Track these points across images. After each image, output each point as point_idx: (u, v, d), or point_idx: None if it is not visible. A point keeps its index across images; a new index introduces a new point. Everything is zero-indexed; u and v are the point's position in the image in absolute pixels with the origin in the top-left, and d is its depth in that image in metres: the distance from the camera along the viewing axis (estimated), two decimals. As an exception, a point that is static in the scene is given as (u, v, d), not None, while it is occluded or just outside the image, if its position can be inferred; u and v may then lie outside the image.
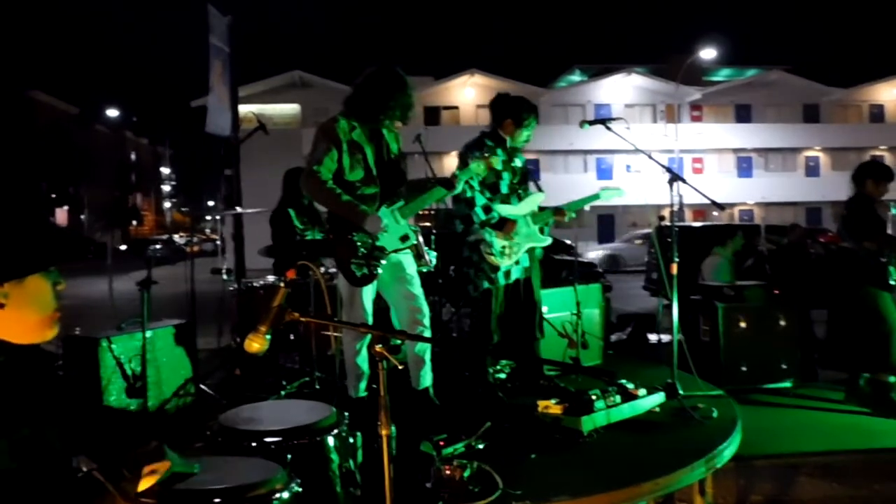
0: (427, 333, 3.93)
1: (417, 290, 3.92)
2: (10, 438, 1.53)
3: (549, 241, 4.70)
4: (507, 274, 4.51)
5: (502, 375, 4.78)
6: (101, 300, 11.86)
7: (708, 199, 4.43)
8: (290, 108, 32.99)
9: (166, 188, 71.26)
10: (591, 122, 4.55)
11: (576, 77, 39.77)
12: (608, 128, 4.53)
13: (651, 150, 4.68)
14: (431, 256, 4.09)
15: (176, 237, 41.97)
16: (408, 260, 3.94)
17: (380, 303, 4.00)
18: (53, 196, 45.41)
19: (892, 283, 4.88)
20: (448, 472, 2.86)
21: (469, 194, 4.37)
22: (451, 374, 4.62)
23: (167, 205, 71.42)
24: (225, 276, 5.75)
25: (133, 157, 65.57)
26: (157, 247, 33.51)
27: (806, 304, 5.94)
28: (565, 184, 27.02)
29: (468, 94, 34.03)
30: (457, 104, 34.54)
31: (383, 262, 3.78)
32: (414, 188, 4.00)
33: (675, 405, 4.14)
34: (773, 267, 7.45)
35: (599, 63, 38.81)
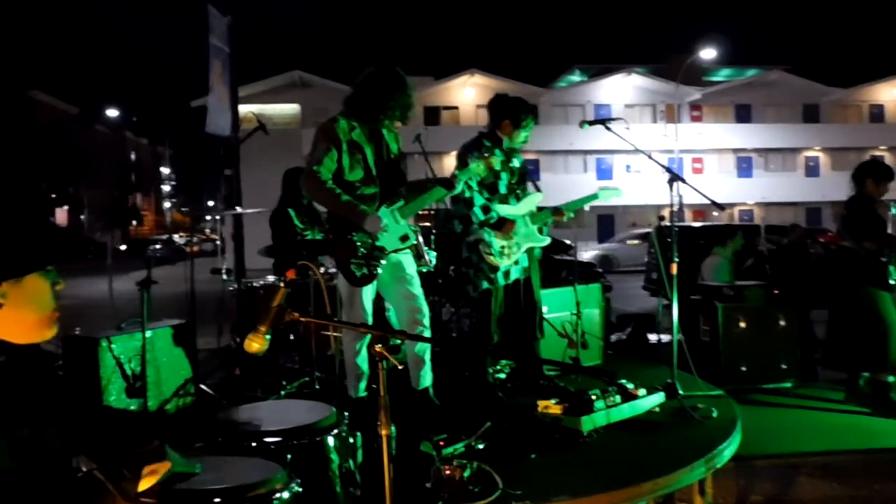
0: (427, 333, 3.93)
1: (417, 290, 3.92)
2: (10, 438, 1.53)
3: (547, 241, 4.70)
4: (507, 274, 4.51)
5: (502, 375, 4.78)
6: (101, 300, 11.87)
7: (708, 199, 4.43)
8: (290, 108, 32.99)
9: (166, 188, 71.28)
10: (591, 123, 4.55)
11: (576, 77, 39.78)
12: (608, 128, 4.53)
13: (651, 150, 4.68)
14: (431, 256, 4.09)
15: (176, 237, 41.96)
16: (408, 260, 3.94)
17: (379, 303, 4.00)
18: (53, 196, 45.41)
19: (891, 282, 4.88)
20: (448, 472, 2.86)
21: (468, 194, 4.37)
22: (451, 374, 4.62)
23: (167, 205, 71.44)
24: (225, 276, 5.75)
25: (133, 157, 65.56)
26: (157, 247, 33.51)
27: (806, 304, 5.94)
28: (565, 184, 27.04)
29: (468, 94, 34.03)
30: (457, 104, 34.55)
31: (383, 262, 3.78)
32: (414, 188, 4.00)
33: (675, 405, 4.14)
34: (773, 267, 7.44)
35: (599, 63, 38.83)
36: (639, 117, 33.72)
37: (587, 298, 5.38)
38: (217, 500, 1.87)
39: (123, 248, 40.77)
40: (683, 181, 4.39)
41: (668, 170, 4.41)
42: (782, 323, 5.47)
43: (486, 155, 4.10)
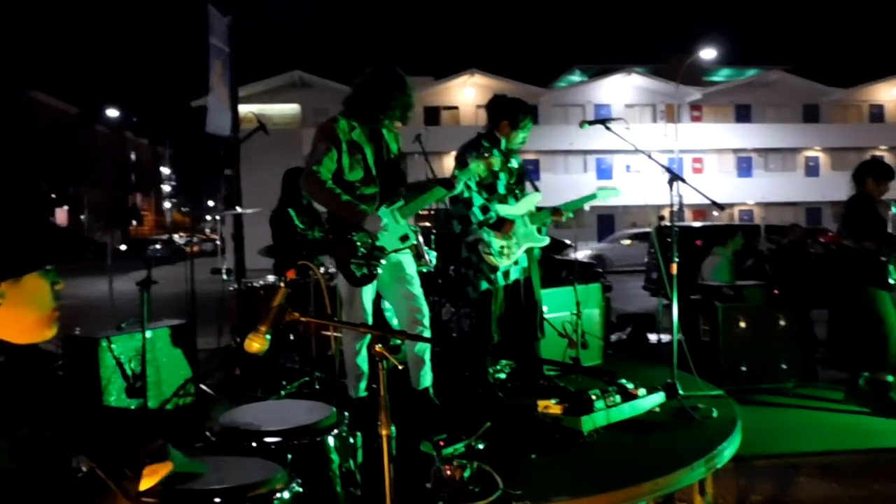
0: (427, 333, 3.93)
1: (417, 290, 3.92)
2: (10, 438, 1.53)
3: (546, 240, 4.70)
4: (507, 274, 4.51)
5: (502, 375, 4.78)
6: (101, 300, 11.86)
7: (708, 199, 4.43)
8: (290, 108, 32.99)
9: (166, 188, 71.27)
10: (591, 123, 4.55)
11: (576, 77, 39.78)
12: (608, 128, 4.53)
13: (651, 150, 4.68)
14: (431, 256, 4.09)
15: (176, 237, 41.99)
16: (408, 260, 3.94)
17: (377, 303, 4.00)
18: (53, 196, 45.42)
19: (891, 282, 4.88)
20: (448, 472, 2.86)
21: (466, 195, 4.37)
22: (451, 374, 4.61)
23: (167, 205, 71.43)
24: (225, 276, 5.75)
25: (133, 157, 65.56)
26: (157, 247, 33.54)
27: (806, 304, 5.94)
28: (565, 184, 27.06)
29: (468, 94, 34.03)
30: (457, 104, 34.55)
31: (383, 261, 3.78)
32: (414, 188, 4.00)
33: (675, 405, 4.14)
34: (773, 267, 7.43)
35: (599, 63, 38.83)
36: (639, 117, 33.72)
37: (587, 298, 5.38)
38: (217, 500, 1.87)
39: (123, 248, 40.77)
40: (683, 181, 4.39)
41: (668, 170, 4.41)
42: (782, 323, 5.46)
43: (486, 155, 4.10)
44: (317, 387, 4.49)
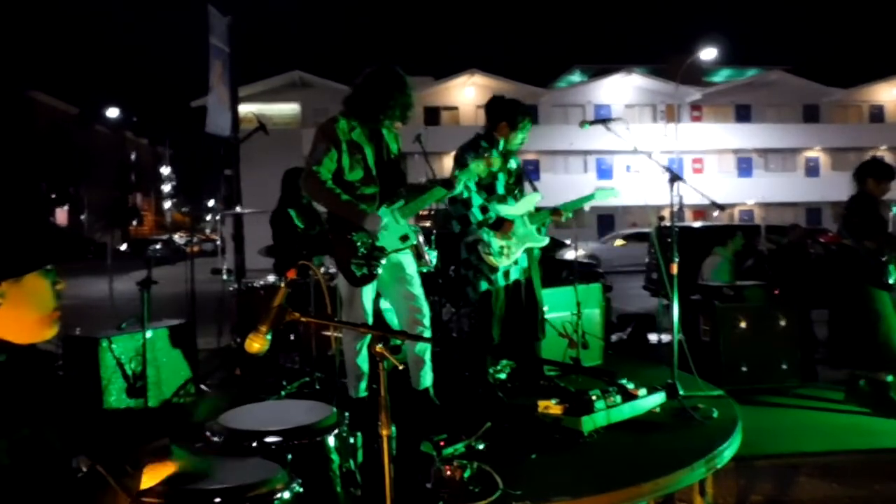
0: (427, 333, 3.93)
1: (417, 290, 3.92)
2: (10, 438, 1.53)
3: (546, 241, 4.70)
4: (507, 275, 4.51)
5: (502, 375, 4.78)
6: (101, 300, 11.86)
7: (708, 199, 4.43)
8: (290, 108, 32.98)
9: (166, 188, 71.27)
10: (591, 123, 4.56)
11: (576, 77, 39.78)
12: (608, 128, 4.53)
13: (651, 151, 4.68)
14: (431, 256, 4.09)
15: (176, 237, 41.94)
16: (408, 260, 3.94)
17: (377, 303, 4.00)
18: (53, 196, 45.41)
19: (891, 282, 4.88)
20: (448, 472, 2.86)
21: (466, 195, 4.37)
22: (451, 374, 4.62)
23: (167, 205, 71.43)
24: (225, 276, 5.76)
25: (133, 157, 65.53)
26: (157, 247, 33.53)
27: (806, 304, 5.94)
28: (565, 184, 27.00)
29: (468, 94, 34.03)
30: (457, 104, 34.54)
31: (383, 261, 3.78)
32: (414, 188, 4.00)
33: (676, 405, 4.14)
34: (773, 267, 7.44)
35: (599, 63, 38.82)
36: (639, 117, 33.71)
37: (587, 298, 5.38)
38: (217, 500, 1.87)
39: (123, 248, 40.79)
40: (683, 181, 4.39)
41: (668, 170, 4.41)
42: (782, 323, 5.47)
43: (486, 155, 4.10)
44: (317, 387, 4.49)
